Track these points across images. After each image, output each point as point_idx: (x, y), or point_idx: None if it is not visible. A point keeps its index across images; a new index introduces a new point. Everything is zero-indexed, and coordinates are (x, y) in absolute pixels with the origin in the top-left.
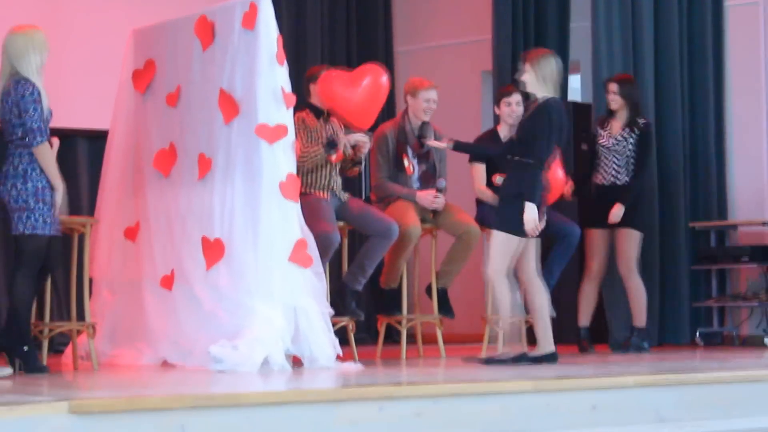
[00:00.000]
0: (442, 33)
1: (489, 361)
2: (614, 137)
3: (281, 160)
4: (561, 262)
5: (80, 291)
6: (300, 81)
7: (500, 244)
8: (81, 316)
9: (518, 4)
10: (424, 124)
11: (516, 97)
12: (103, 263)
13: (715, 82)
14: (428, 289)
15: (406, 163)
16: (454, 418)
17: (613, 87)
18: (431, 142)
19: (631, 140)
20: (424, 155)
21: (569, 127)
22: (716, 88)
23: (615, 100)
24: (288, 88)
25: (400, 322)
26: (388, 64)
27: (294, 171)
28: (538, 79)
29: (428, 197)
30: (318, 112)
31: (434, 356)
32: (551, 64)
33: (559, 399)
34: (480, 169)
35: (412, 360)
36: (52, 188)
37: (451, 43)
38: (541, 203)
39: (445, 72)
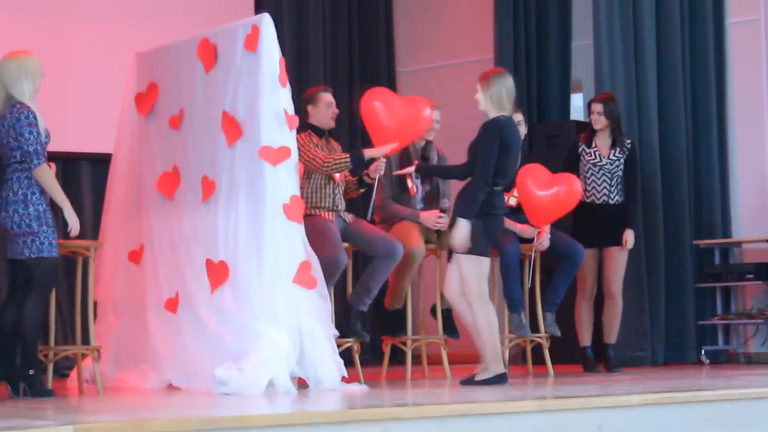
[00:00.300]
0: (444, 53)
1: (464, 383)
2: (607, 157)
3: (285, 181)
4: (566, 281)
5: (85, 314)
6: (302, 102)
7: (468, 268)
8: (86, 340)
9: (520, 23)
10: (428, 144)
11: (518, 117)
12: (108, 286)
13: (718, 99)
14: (433, 310)
15: (409, 183)
16: None
17: (597, 107)
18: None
19: (622, 159)
20: (427, 176)
21: (518, 146)
22: (719, 105)
23: (599, 120)
24: (291, 110)
25: (405, 343)
26: (390, 85)
27: (298, 192)
28: (487, 98)
29: (432, 218)
30: (320, 132)
31: (440, 377)
32: (502, 84)
33: (565, 418)
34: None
35: (417, 381)
36: (52, 210)
37: (453, 64)
38: (500, 223)
39: (447, 92)
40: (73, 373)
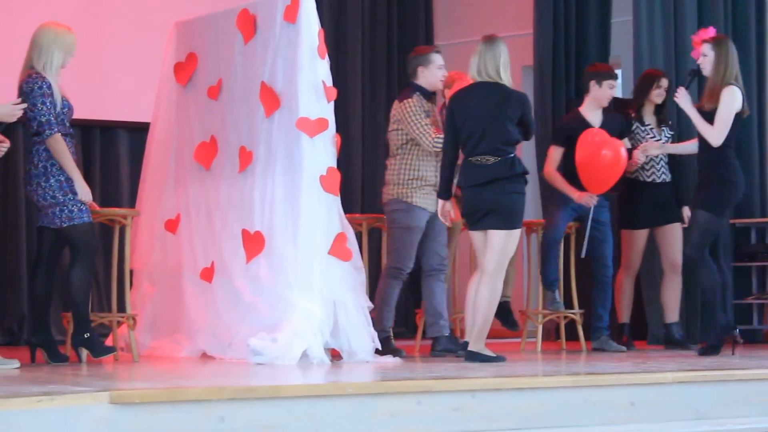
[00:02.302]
0: (483, 27)
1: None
2: (664, 135)
3: (322, 153)
4: (605, 304)
5: (121, 282)
6: (340, 74)
7: (510, 241)
8: (122, 308)
9: None
10: None
11: (615, 81)
12: (144, 255)
13: (758, 77)
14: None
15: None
16: (492, 413)
17: (665, 83)
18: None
19: (675, 136)
20: None
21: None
22: (759, 83)
23: (662, 95)
24: (329, 81)
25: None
26: None
27: (334, 164)
28: (475, 66)
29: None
30: (427, 95)
31: None
32: (494, 51)
33: (597, 394)
34: (557, 151)
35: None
36: (86, 178)
37: None
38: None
39: None
40: (109, 340)
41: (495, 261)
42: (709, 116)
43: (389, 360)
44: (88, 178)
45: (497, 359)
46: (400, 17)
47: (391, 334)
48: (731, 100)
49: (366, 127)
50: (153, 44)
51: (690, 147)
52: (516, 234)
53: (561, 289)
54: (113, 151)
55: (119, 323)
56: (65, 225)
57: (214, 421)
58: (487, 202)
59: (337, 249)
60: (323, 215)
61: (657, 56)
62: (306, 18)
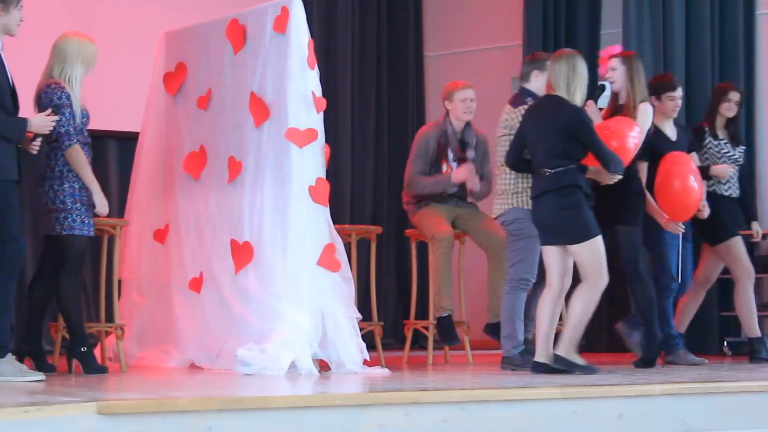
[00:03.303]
0: (473, 38)
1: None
2: (738, 149)
3: (311, 164)
4: (669, 319)
5: (109, 292)
6: (330, 84)
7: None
8: (110, 318)
9: (549, 10)
10: (467, 126)
11: (680, 91)
12: (133, 265)
13: (746, 90)
14: (487, 329)
15: (444, 167)
16: (480, 425)
17: (736, 96)
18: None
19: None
20: (463, 160)
21: None
22: (747, 96)
23: (733, 109)
24: (318, 92)
25: (427, 328)
26: (418, 69)
27: (323, 175)
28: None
29: (463, 171)
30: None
31: (461, 362)
32: (562, 65)
33: (586, 406)
34: (643, 167)
35: (438, 365)
36: (88, 189)
37: (482, 49)
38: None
39: (475, 78)
40: (97, 351)
41: (583, 272)
42: None
43: (378, 371)
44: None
45: (588, 369)
46: (390, 28)
47: (525, 347)
48: (648, 117)
49: (355, 138)
50: (142, 54)
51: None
52: (588, 244)
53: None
54: (102, 161)
55: (107, 333)
56: (65, 233)
57: (202, 431)
58: (542, 216)
59: (326, 260)
60: (312, 226)
61: (646, 68)
62: (296, 28)
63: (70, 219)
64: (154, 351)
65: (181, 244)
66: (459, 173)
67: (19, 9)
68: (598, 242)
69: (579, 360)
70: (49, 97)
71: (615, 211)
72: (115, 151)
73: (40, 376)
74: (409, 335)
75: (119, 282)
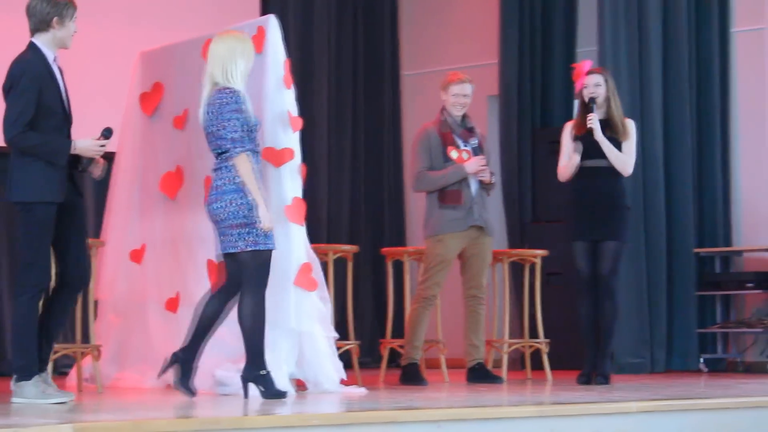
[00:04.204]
0: (449, 57)
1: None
2: None
3: (287, 183)
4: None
5: (85, 313)
6: (306, 104)
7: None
8: (86, 339)
9: (525, 28)
10: (465, 116)
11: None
12: (109, 285)
13: (722, 108)
14: (470, 374)
15: (455, 154)
16: None
17: None
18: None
19: None
20: (475, 146)
21: None
22: (722, 114)
23: None
24: (295, 111)
25: (403, 346)
26: (395, 88)
27: (300, 194)
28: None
29: (476, 163)
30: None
31: (438, 381)
32: None
33: (562, 424)
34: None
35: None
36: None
37: (458, 67)
38: None
39: None
40: (73, 372)
41: None
42: (617, 146)
43: (355, 390)
44: None
45: None
46: (366, 47)
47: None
48: (634, 133)
49: (332, 157)
50: (118, 74)
51: (613, 156)
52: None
53: (525, 317)
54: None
55: (84, 354)
56: (249, 249)
57: None
58: None
59: (302, 279)
60: (288, 245)
61: (622, 86)
62: (272, 48)
63: (254, 234)
64: (131, 372)
65: (157, 265)
66: (472, 164)
67: (74, 21)
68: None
69: None
70: (222, 102)
71: (611, 226)
72: None
73: (64, 398)
74: (385, 354)
75: (95, 303)
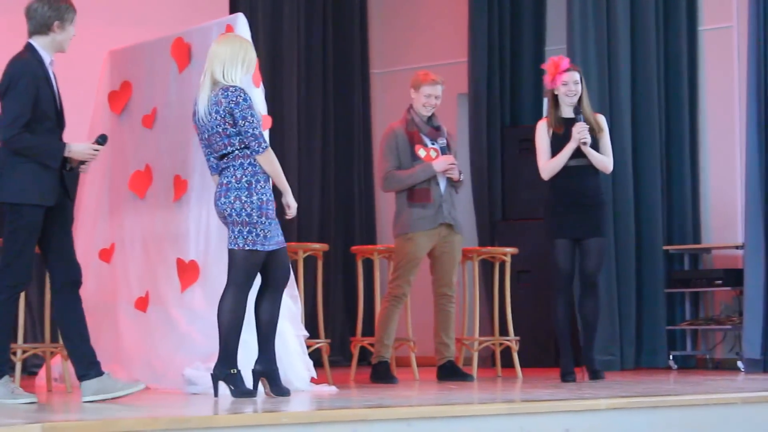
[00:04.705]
0: (419, 55)
1: None
2: None
3: None
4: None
5: None
6: (276, 102)
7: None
8: (55, 338)
9: (494, 27)
10: (433, 115)
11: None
12: None
13: (690, 105)
14: (440, 372)
15: (423, 153)
16: None
17: None
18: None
19: None
20: (443, 143)
21: None
22: (691, 111)
23: None
24: (264, 110)
25: (374, 345)
26: (365, 86)
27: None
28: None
29: (444, 161)
30: None
31: (408, 379)
32: None
33: (532, 422)
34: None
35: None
36: (273, 200)
37: (427, 66)
38: None
39: None
40: (42, 371)
41: None
42: (594, 143)
43: (325, 389)
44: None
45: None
46: (335, 45)
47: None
48: (606, 126)
49: (302, 155)
50: (87, 73)
51: (597, 160)
52: None
53: (495, 315)
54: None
55: (53, 354)
56: (246, 248)
57: None
58: None
59: None
60: None
61: (591, 85)
62: None
63: (254, 234)
64: None
65: (126, 264)
66: (440, 162)
67: (74, 25)
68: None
69: None
70: (234, 100)
71: (594, 222)
72: None
73: (32, 398)
74: (356, 352)
75: None
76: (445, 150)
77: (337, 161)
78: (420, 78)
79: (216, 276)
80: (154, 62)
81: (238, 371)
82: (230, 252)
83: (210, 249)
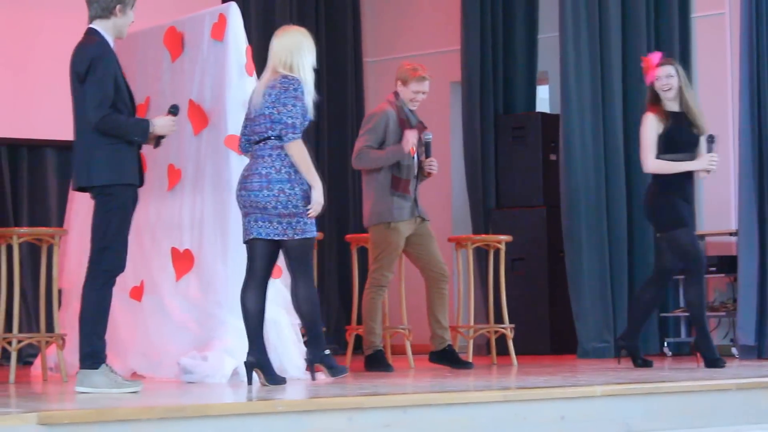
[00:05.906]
0: (411, 44)
1: None
2: None
3: None
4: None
5: (49, 302)
6: None
7: None
8: (50, 328)
9: (487, 15)
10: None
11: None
12: (73, 274)
13: None
14: (432, 356)
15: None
16: (423, 429)
17: None
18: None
19: None
20: (429, 138)
21: None
22: None
23: None
24: None
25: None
26: (358, 75)
27: None
28: None
29: (411, 137)
30: None
31: (403, 367)
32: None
33: (527, 409)
34: None
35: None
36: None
37: (420, 54)
38: None
39: None
40: (38, 361)
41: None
42: (697, 139)
43: (320, 377)
44: (15, 197)
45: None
46: (328, 34)
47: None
48: None
49: None
50: None
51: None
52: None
53: (490, 303)
54: (41, 170)
55: (48, 343)
56: (297, 237)
57: None
58: None
59: None
60: None
61: (583, 72)
62: (233, 35)
63: (302, 222)
64: None
65: None
66: (407, 141)
67: (134, 10)
68: None
69: None
70: (285, 87)
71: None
72: (54, 160)
73: (137, 386)
74: (351, 340)
75: (59, 291)
76: (430, 146)
77: (331, 149)
78: (408, 73)
79: (211, 265)
80: (147, 51)
81: (330, 352)
82: (282, 243)
83: (204, 238)
